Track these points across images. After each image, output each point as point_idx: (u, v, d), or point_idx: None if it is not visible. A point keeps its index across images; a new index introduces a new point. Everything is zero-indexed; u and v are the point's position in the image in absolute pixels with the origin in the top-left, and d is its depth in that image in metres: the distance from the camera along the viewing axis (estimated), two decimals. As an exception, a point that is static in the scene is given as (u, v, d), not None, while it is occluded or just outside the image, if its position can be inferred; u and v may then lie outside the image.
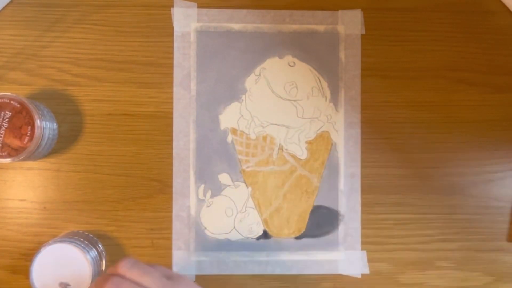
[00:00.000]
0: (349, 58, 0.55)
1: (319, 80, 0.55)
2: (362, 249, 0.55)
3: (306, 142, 0.55)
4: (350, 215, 0.55)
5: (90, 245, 0.50)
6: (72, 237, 0.50)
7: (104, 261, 0.52)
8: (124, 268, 0.41)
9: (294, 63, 0.55)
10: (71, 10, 0.54)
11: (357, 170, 0.55)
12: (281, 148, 0.55)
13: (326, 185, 0.55)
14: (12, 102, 0.48)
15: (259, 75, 0.55)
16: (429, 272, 0.56)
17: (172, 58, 0.55)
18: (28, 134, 0.48)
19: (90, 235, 0.53)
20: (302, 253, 0.55)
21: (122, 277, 0.41)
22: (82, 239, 0.50)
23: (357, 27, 0.55)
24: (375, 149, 0.55)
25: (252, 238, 0.55)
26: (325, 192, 0.55)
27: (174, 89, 0.55)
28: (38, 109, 0.49)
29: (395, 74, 0.56)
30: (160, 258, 0.54)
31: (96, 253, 0.51)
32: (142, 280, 0.41)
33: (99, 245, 0.52)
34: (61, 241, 0.49)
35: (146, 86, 0.54)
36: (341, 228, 0.55)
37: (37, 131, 0.48)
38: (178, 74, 0.55)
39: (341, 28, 0.55)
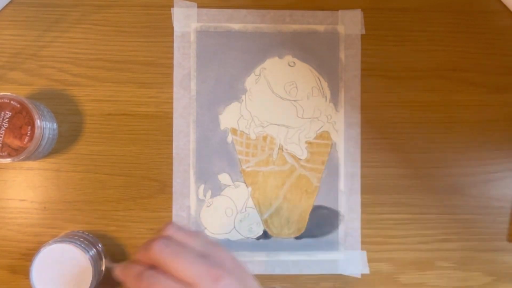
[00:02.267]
0: (349, 58, 0.55)
1: (319, 80, 0.55)
2: (362, 249, 0.55)
3: (306, 142, 0.55)
4: (350, 215, 0.55)
5: (90, 245, 0.50)
6: (72, 237, 0.50)
7: (104, 261, 0.52)
8: (170, 231, 0.42)
9: (294, 63, 0.55)
10: (71, 10, 0.54)
11: (357, 170, 0.55)
12: (281, 148, 0.55)
13: (326, 185, 0.55)
14: (12, 102, 0.48)
15: (259, 75, 0.55)
16: (429, 272, 0.56)
17: (172, 58, 0.55)
18: (28, 134, 0.48)
19: (90, 235, 0.53)
20: (302, 253, 0.55)
21: (169, 238, 0.41)
22: (82, 239, 0.50)
23: (357, 27, 0.55)
24: (375, 149, 0.55)
25: (252, 238, 0.55)
26: (325, 192, 0.55)
27: (174, 89, 0.55)
28: (38, 109, 0.49)
29: (395, 74, 0.56)
30: (160, 258, 0.54)
31: (96, 253, 0.51)
32: (188, 241, 0.41)
33: (99, 245, 0.52)
34: (61, 241, 0.49)
35: (146, 86, 0.54)
36: (341, 228, 0.55)
37: (37, 131, 0.48)
38: (178, 74, 0.55)
39: (341, 28, 0.55)
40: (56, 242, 0.49)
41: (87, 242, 0.50)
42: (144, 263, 0.41)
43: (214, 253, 0.42)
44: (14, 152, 0.48)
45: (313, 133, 0.55)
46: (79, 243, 0.49)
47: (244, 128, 0.55)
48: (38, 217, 0.54)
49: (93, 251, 0.50)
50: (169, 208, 0.54)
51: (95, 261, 0.50)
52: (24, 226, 0.54)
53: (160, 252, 0.40)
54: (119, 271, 0.43)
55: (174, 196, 0.54)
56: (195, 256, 0.40)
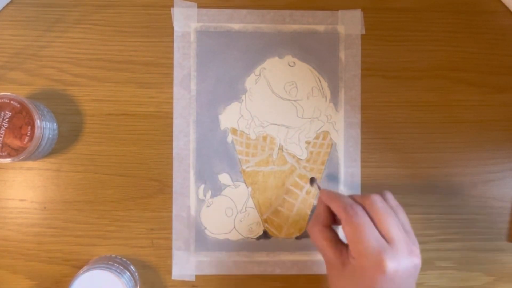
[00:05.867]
0: (349, 58, 0.55)
1: (319, 80, 0.55)
2: (362, 249, 0.55)
3: (306, 142, 0.55)
4: (350, 215, 0.55)
5: (122, 268, 0.50)
6: (106, 263, 0.50)
7: (138, 284, 0.52)
8: (387, 195, 0.47)
9: (294, 63, 0.55)
10: (71, 10, 0.54)
11: (357, 170, 0.55)
12: (281, 148, 0.55)
13: (326, 185, 0.55)
14: (12, 102, 0.48)
15: (259, 75, 0.55)
16: (429, 272, 0.56)
17: (172, 58, 0.55)
18: (28, 134, 0.48)
19: (122, 258, 0.53)
20: (302, 253, 0.55)
21: (385, 200, 0.47)
22: (113, 263, 0.50)
23: (357, 27, 0.55)
24: (375, 149, 0.55)
25: (252, 238, 0.55)
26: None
27: (174, 89, 0.55)
28: (38, 109, 0.49)
29: (395, 74, 0.56)
30: (160, 258, 0.54)
31: (130, 275, 0.51)
32: (398, 211, 0.46)
33: (131, 267, 0.52)
34: (94, 268, 0.48)
35: (146, 86, 0.54)
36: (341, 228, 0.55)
37: (37, 131, 0.48)
38: (178, 74, 0.55)
39: (341, 28, 0.55)
40: (90, 269, 0.48)
41: (118, 265, 0.50)
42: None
43: (413, 235, 0.46)
44: (14, 152, 0.48)
45: (313, 133, 0.55)
46: (114, 268, 0.49)
47: (244, 128, 0.55)
48: (38, 217, 0.54)
49: (126, 274, 0.50)
50: (169, 208, 0.54)
51: (129, 284, 0.49)
52: (24, 226, 0.54)
53: (377, 203, 0.45)
54: (326, 195, 0.48)
55: (174, 196, 0.54)
56: (400, 225, 0.45)
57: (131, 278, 0.50)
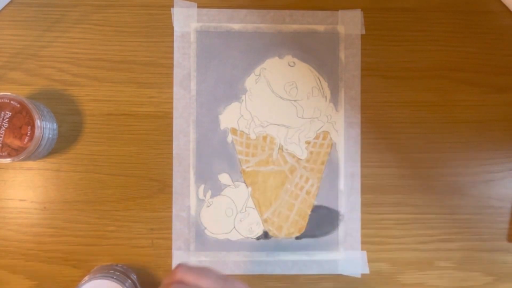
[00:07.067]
0: (349, 58, 0.55)
1: (319, 80, 0.55)
2: (362, 249, 0.55)
3: (306, 142, 0.55)
4: (350, 215, 0.55)
5: (124, 276, 0.50)
6: (107, 272, 0.50)
7: None
8: (180, 273, 0.43)
9: (294, 63, 0.55)
10: (71, 10, 0.54)
11: (357, 170, 0.55)
12: (281, 148, 0.55)
13: (326, 185, 0.55)
14: (12, 102, 0.48)
15: (259, 75, 0.55)
16: (429, 272, 0.56)
17: (172, 58, 0.55)
18: (28, 134, 0.48)
19: (124, 266, 0.53)
20: (302, 253, 0.55)
21: (181, 282, 0.42)
22: (115, 272, 0.50)
23: (357, 27, 0.55)
24: (375, 149, 0.55)
25: (252, 238, 0.55)
26: (325, 192, 0.55)
27: (174, 89, 0.55)
28: (38, 109, 0.49)
29: (395, 74, 0.56)
30: (160, 258, 0.54)
31: (132, 283, 0.51)
32: (200, 282, 0.42)
33: (133, 275, 0.52)
34: (96, 277, 0.48)
35: (146, 86, 0.54)
36: (341, 228, 0.55)
37: (37, 131, 0.48)
38: (178, 74, 0.55)
39: (341, 28, 0.55)
40: (92, 278, 0.48)
41: (119, 273, 0.50)
42: None
43: (230, 281, 0.43)
44: (14, 152, 0.48)
45: (313, 133, 0.55)
46: (115, 277, 0.49)
47: (244, 128, 0.55)
48: (38, 217, 0.54)
49: (128, 282, 0.50)
50: (169, 208, 0.54)
51: None
52: (24, 226, 0.54)
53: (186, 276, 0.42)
54: None
55: (174, 196, 0.54)
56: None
57: (133, 286, 0.50)
